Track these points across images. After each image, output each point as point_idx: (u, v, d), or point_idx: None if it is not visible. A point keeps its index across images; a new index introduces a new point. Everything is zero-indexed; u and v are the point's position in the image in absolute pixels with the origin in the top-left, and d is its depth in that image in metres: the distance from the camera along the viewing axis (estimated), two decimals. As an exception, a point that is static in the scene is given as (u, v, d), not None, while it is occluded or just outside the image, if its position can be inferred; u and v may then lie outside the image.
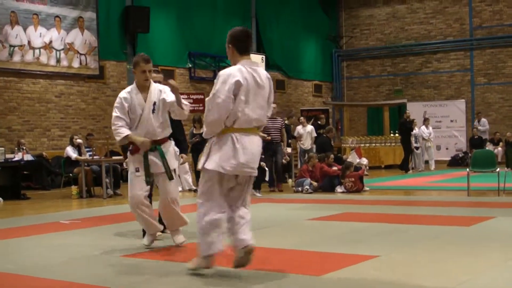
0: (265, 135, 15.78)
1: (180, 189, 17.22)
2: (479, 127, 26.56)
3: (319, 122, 22.50)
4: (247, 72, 6.32)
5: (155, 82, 8.67)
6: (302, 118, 22.63)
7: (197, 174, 17.75)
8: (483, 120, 26.71)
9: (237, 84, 6.16)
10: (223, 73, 6.36)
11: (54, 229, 10.16)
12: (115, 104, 7.74)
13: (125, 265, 7.04)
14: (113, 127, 7.70)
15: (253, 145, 6.29)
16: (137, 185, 7.76)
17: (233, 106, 6.12)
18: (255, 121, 6.29)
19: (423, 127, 25.15)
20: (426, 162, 25.32)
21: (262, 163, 15.84)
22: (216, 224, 6.24)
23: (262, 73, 6.50)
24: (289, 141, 21.17)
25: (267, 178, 17.15)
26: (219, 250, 6.28)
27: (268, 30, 29.37)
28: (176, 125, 9.23)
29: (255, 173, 6.39)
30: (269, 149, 16.54)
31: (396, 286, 5.73)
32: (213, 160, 6.21)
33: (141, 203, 7.76)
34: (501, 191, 14.39)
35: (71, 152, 16.88)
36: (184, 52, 25.06)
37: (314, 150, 19.73)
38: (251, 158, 6.25)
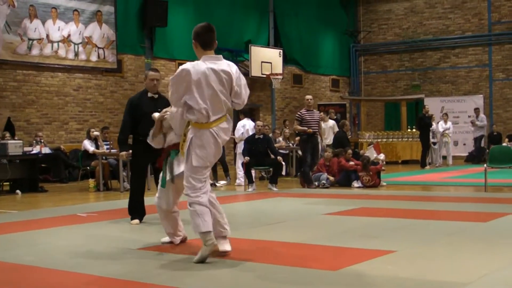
0: (306, 128, 15.73)
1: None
2: (477, 123, 26.29)
3: (336, 117, 22.50)
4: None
5: (152, 79, 9.13)
6: (322, 113, 22.61)
7: (213, 168, 17.80)
8: (482, 116, 26.44)
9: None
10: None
11: (71, 222, 10.21)
12: None
13: (143, 258, 7.06)
14: None
15: None
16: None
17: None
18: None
19: (441, 122, 25.05)
20: (444, 157, 25.23)
21: (279, 157, 15.83)
22: None
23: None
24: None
25: (284, 173, 17.14)
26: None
27: (286, 25, 29.34)
28: None
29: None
30: (310, 142, 16.25)
31: (412, 281, 5.73)
32: None
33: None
34: (519, 187, 14.34)
35: (88, 146, 16.95)
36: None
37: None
38: None
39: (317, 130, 16.42)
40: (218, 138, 6.62)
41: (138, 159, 9.80)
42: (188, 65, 6.67)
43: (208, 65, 6.61)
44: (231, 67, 6.79)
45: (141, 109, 9.72)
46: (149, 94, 9.96)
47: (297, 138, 18.95)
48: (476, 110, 26.12)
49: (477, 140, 26.17)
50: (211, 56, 6.75)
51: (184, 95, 6.62)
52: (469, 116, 30.13)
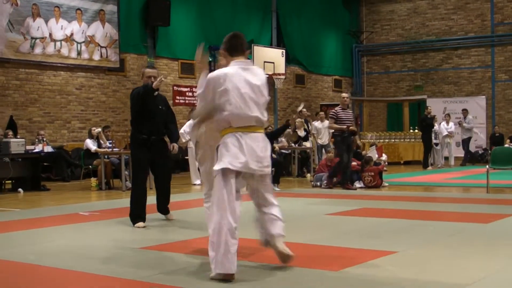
0: (343, 126, 15.30)
1: (199, 182, 17.34)
2: (464, 125, 26.11)
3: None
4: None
5: (149, 77, 9.07)
6: (321, 113, 22.62)
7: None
8: (469, 117, 26.32)
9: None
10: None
11: (73, 221, 10.22)
12: None
13: (144, 257, 7.08)
14: None
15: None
16: None
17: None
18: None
19: (443, 123, 25.04)
20: (446, 158, 25.22)
21: (274, 155, 15.82)
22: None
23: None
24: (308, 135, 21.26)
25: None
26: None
27: (288, 25, 29.34)
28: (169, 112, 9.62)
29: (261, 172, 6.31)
30: (345, 142, 15.58)
31: (413, 282, 5.74)
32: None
33: None
34: (521, 188, 14.34)
35: (90, 145, 16.97)
36: (204, 45, 25.03)
37: (331, 145, 19.73)
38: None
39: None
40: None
41: (139, 158, 9.66)
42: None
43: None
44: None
45: (147, 105, 9.54)
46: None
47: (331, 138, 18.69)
48: (464, 112, 25.90)
49: (464, 142, 25.94)
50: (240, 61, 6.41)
51: None
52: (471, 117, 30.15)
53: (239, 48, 6.45)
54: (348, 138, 15.56)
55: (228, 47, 6.48)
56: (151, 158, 9.57)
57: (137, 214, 9.47)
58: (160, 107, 9.73)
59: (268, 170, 6.40)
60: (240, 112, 6.17)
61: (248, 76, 6.28)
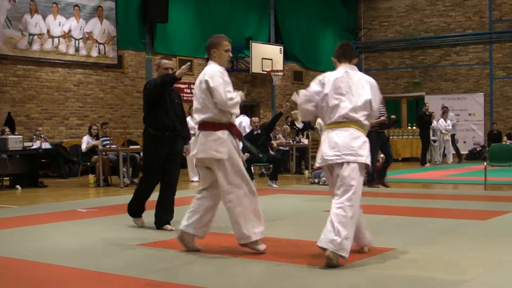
0: (384, 119, 14.68)
1: (197, 179, 17.33)
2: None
3: None
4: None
5: (167, 68, 8.72)
6: None
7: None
8: (451, 114, 26.25)
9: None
10: None
11: (71, 217, 10.22)
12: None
13: (142, 254, 7.08)
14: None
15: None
16: None
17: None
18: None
19: (441, 120, 25.05)
20: (444, 155, 25.23)
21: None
22: None
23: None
24: (307, 132, 21.25)
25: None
26: None
27: (286, 22, 29.33)
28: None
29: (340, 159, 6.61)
30: (379, 139, 15.01)
31: (411, 278, 5.74)
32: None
33: None
34: (519, 185, 14.35)
35: (84, 143, 16.97)
36: (202, 42, 25.00)
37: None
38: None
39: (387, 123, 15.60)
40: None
41: (152, 156, 8.96)
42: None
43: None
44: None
45: (163, 98, 8.98)
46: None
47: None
48: (444, 109, 25.80)
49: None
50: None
51: None
52: (469, 114, 30.19)
53: (347, 55, 7.20)
54: (382, 135, 15.29)
55: (337, 55, 7.25)
56: (164, 156, 8.91)
57: (137, 211, 9.18)
58: (176, 101, 9.29)
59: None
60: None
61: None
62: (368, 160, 6.65)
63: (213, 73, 6.88)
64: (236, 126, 7.21)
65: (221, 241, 7.58)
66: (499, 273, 5.96)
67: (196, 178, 17.51)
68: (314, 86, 6.99)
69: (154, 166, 8.90)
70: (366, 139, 6.74)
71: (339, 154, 6.55)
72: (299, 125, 20.94)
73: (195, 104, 7.01)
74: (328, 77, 6.95)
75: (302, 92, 7.13)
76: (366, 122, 6.78)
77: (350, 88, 6.83)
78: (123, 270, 6.20)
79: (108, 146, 16.69)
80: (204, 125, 6.90)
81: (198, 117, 6.94)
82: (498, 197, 12.84)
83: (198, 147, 6.88)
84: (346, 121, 6.68)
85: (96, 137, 17.12)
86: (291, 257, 6.67)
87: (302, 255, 6.81)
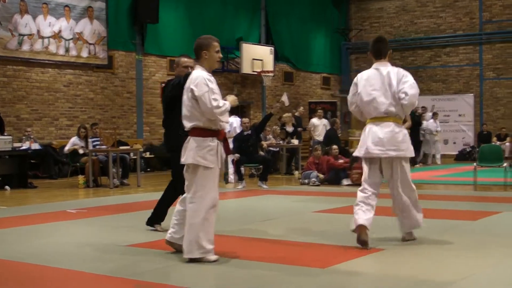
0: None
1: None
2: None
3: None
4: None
5: (186, 67, 8.43)
6: (320, 110, 22.67)
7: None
8: (429, 114, 26.15)
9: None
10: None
11: (61, 218, 10.20)
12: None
13: (132, 254, 7.07)
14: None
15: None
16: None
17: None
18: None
19: (432, 121, 25.10)
20: (433, 156, 25.29)
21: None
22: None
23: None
24: (298, 132, 21.28)
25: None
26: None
27: (277, 22, 29.33)
28: None
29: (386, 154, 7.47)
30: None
31: (400, 279, 5.74)
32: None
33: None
34: (508, 186, 14.39)
35: (69, 144, 16.90)
36: (192, 43, 24.83)
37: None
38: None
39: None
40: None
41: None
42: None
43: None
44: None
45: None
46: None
47: None
48: (423, 109, 25.77)
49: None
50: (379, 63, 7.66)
51: None
52: (459, 115, 30.26)
53: (382, 53, 7.75)
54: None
55: (372, 52, 7.77)
56: None
57: (160, 218, 8.86)
58: None
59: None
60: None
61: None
62: (408, 153, 7.58)
63: (199, 81, 6.69)
64: (226, 137, 7.05)
65: (227, 243, 7.57)
66: (490, 274, 5.97)
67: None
68: (351, 89, 7.73)
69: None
70: (406, 132, 7.58)
71: (384, 149, 7.41)
72: (290, 128, 20.96)
73: (183, 111, 6.85)
74: (361, 76, 7.67)
75: (348, 98, 7.88)
76: (401, 114, 7.51)
77: (383, 84, 7.45)
78: (113, 271, 6.19)
79: (98, 147, 16.64)
80: (195, 131, 6.77)
81: (186, 124, 6.80)
82: (487, 197, 12.88)
83: (187, 153, 6.77)
84: (386, 116, 7.44)
85: (85, 139, 17.03)
86: (283, 258, 6.67)
87: (293, 256, 6.82)
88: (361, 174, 15.78)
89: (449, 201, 12.30)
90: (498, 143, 23.99)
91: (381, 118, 7.46)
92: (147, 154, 22.38)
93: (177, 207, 7.03)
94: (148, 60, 23.49)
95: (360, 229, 7.24)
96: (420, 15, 31.99)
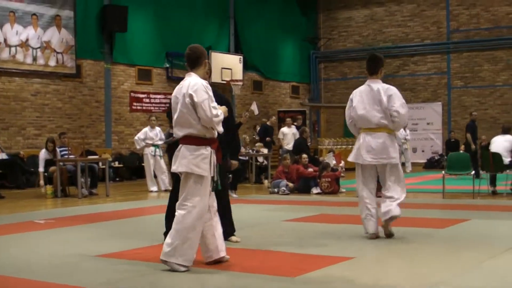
0: None
1: (156, 189, 17.27)
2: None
3: (295, 124, 22.62)
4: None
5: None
6: (288, 119, 22.72)
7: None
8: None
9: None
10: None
11: (28, 229, 10.09)
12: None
13: (101, 264, 7.01)
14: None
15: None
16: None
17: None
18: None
19: (401, 130, 25.21)
20: (403, 164, 25.40)
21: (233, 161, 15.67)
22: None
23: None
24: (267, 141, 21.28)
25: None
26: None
27: (246, 31, 29.34)
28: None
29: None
30: None
31: (369, 287, 5.74)
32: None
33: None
34: (476, 193, 14.48)
35: (41, 160, 16.69)
36: (161, 52, 24.98)
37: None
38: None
39: None
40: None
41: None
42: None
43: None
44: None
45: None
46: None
47: None
48: None
49: None
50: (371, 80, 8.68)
51: None
52: (427, 123, 30.47)
53: (373, 70, 8.80)
54: None
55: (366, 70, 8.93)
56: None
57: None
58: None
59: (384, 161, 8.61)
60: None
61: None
62: (398, 160, 8.62)
63: (198, 87, 6.65)
64: (218, 146, 6.96)
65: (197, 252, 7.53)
66: (457, 281, 5.99)
67: (154, 188, 17.45)
68: (347, 105, 8.85)
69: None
70: (395, 142, 8.66)
71: (376, 158, 8.48)
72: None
73: (175, 118, 6.79)
74: (355, 92, 8.83)
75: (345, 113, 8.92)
76: (392, 126, 8.52)
77: (374, 99, 8.50)
78: (82, 282, 6.13)
79: (66, 157, 16.49)
80: (187, 139, 6.73)
81: (179, 131, 6.76)
82: (455, 205, 12.96)
83: (179, 161, 6.73)
84: (378, 127, 8.49)
85: (53, 152, 16.84)
86: (253, 268, 6.65)
87: (264, 266, 6.80)
88: (330, 182, 15.94)
89: (418, 209, 12.34)
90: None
91: (374, 129, 8.53)
92: (116, 164, 22.26)
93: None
94: (116, 69, 23.38)
95: (372, 236, 8.50)
96: (388, 24, 32.20)
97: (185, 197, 6.65)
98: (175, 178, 8.26)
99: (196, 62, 7.02)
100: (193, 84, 6.69)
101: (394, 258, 7.17)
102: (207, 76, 7.05)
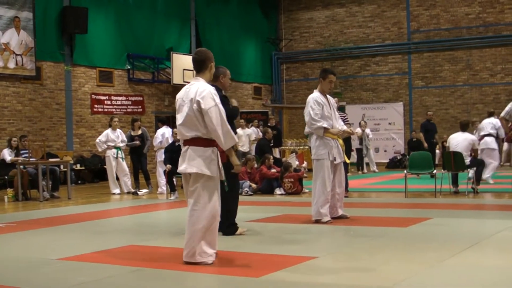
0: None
1: (118, 191, 17.15)
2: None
3: (269, 124, 22.70)
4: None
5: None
6: (242, 120, 22.73)
7: (135, 176, 17.64)
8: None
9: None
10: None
11: (-12, 233, 9.97)
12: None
13: (62, 268, 6.93)
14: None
15: None
16: None
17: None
18: None
19: (368, 129, 25.29)
20: (367, 164, 25.53)
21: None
22: None
23: None
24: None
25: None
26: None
27: (207, 32, 29.30)
28: None
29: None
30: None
31: (333, 287, 5.74)
32: None
33: None
34: (438, 192, 14.58)
35: (6, 155, 16.56)
36: (122, 53, 24.84)
37: (253, 152, 19.83)
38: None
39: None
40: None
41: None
42: None
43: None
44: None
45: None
46: (223, 93, 9.41)
47: None
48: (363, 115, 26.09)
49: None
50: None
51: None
52: (389, 123, 30.65)
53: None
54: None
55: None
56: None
57: (233, 223, 9.12)
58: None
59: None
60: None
61: None
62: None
63: (205, 94, 6.79)
64: (223, 149, 7.02)
65: (159, 254, 7.48)
66: (419, 279, 6.01)
67: (117, 191, 17.34)
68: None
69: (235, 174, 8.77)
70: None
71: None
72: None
73: (182, 120, 6.89)
74: None
75: None
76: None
77: None
78: (42, 285, 6.07)
79: (27, 159, 16.32)
80: (194, 141, 6.86)
81: (186, 132, 6.87)
82: (418, 204, 13.03)
83: (187, 162, 6.84)
84: None
85: (16, 149, 16.70)
86: (216, 269, 6.62)
87: (224, 265, 6.77)
88: (293, 183, 15.95)
89: (380, 208, 12.41)
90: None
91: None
92: (78, 166, 22.10)
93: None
94: (77, 71, 23.20)
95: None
96: (350, 25, 32.35)
97: (196, 199, 6.81)
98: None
99: (202, 65, 7.15)
100: (201, 91, 6.83)
101: (356, 257, 7.18)
102: (226, 82, 7.47)
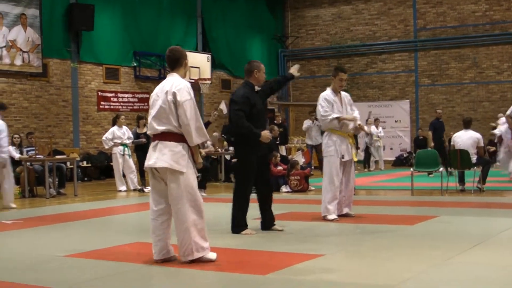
0: None
1: (125, 188, 17.18)
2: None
3: (275, 122, 22.71)
4: None
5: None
6: None
7: (141, 174, 17.66)
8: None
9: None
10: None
11: (-5, 229, 9.99)
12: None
13: (69, 265, 6.95)
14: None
15: None
16: None
17: None
18: None
19: (373, 127, 25.29)
20: (376, 161, 25.54)
21: (204, 163, 15.69)
22: None
23: None
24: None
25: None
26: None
27: (213, 30, 29.27)
28: None
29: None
30: None
31: (340, 284, 5.74)
32: None
33: None
34: (444, 190, 14.57)
35: (13, 152, 16.58)
36: (129, 50, 24.84)
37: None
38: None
39: None
40: None
41: (252, 159, 9.09)
42: None
43: None
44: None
45: (255, 106, 9.22)
46: (256, 88, 9.76)
47: None
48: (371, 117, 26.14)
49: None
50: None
51: None
52: (396, 121, 30.61)
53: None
54: None
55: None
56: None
57: (243, 223, 9.17)
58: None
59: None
60: None
61: None
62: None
63: (182, 87, 6.84)
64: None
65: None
66: (425, 278, 6.01)
67: (123, 188, 17.36)
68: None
69: (253, 167, 9.13)
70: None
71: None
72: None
73: (155, 113, 6.86)
74: None
75: None
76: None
77: None
78: (49, 282, 6.07)
79: (33, 156, 16.34)
80: (165, 136, 6.79)
81: (157, 126, 6.81)
82: (425, 202, 13.02)
83: (157, 156, 6.77)
84: None
85: (19, 146, 16.71)
86: (224, 266, 6.62)
87: (230, 263, 6.77)
88: (299, 180, 15.97)
89: (387, 206, 12.40)
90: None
91: None
92: (84, 163, 22.12)
93: (151, 223, 6.93)
94: (83, 68, 23.20)
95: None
96: (356, 23, 32.30)
97: (176, 198, 6.73)
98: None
99: (176, 63, 7.21)
100: (177, 84, 6.86)
101: (363, 255, 7.18)
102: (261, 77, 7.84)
